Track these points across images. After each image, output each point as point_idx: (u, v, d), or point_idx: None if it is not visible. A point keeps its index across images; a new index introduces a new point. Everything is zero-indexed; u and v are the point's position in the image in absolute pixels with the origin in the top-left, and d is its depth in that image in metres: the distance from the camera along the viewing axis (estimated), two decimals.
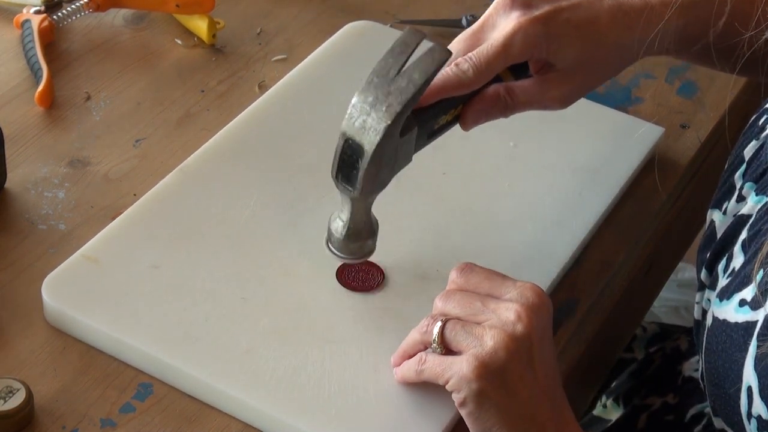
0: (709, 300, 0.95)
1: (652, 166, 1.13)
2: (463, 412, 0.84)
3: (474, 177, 1.07)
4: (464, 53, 0.92)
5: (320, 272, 0.97)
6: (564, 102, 0.97)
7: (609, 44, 0.96)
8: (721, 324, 0.89)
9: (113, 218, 1.01)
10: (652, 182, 1.12)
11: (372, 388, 0.89)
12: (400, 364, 0.89)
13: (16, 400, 0.85)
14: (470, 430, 0.85)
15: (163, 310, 0.93)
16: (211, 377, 0.88)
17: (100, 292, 0.93)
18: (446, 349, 0.85)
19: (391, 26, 1.26)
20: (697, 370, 1.18)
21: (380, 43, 1.21)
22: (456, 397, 0.84)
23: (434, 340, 0.85)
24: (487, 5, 1.31)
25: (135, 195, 1.04)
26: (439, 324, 0.85)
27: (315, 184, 1.05)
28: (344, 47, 1.20)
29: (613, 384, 1.26)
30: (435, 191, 1.06)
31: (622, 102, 1.21)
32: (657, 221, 1.10)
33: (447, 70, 0.91)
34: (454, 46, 0.94)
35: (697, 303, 1.00)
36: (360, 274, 0.97)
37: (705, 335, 0.91)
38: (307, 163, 1.07)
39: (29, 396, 0.86)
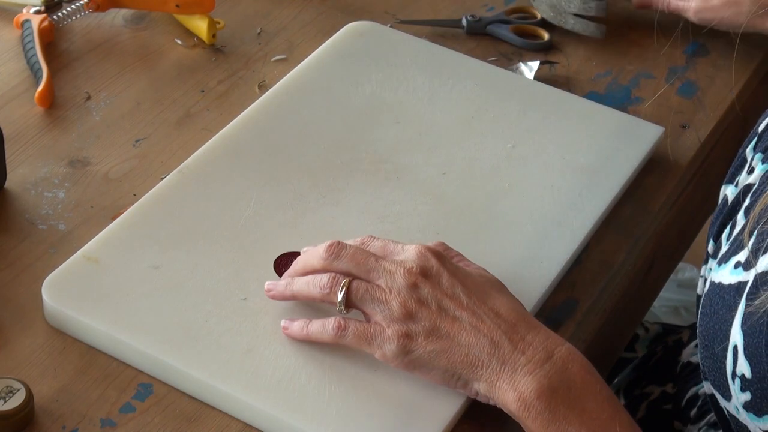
0: (710, 269, 0.96)
1: (652, 166, 1.13)
2: (416, 374, 0.88)
3: (474, 177, 1.07)
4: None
5: None
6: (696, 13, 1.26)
7: None
8: (716, 287, 0.90)
9: (113, 218, 1.01)
10: (652, 182, 1.12)
11: (372, 389, 0.89)
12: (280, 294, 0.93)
13: (16, 400, 0.85)
14: (434, 381, 0.88)
15: (163, 310, 0.93)
16: (211, 377, 0.88)
17: (100, 293, 0.93)
18: (347, 307, 0.89)
19: (391, 26, 1.26)
20: (695, 354, 1.18)
21: (380, 43, 1.21)
22: (395, 365, 0.88)
23: (340, 302, 0.89)
24: (487, 5, 1.32)
25: (135, 195, 1.04)
26: (344, 288, 0.89)
27: (315, 184, 1.05)
28: (344, 47, 1.20)
29: (616, 380, 1.26)
30: (435, 191, 1.06)
31: (622, 102, 1.21)
32: (657, 221, 1.10)
33: None
34: None
35: (701, 276, 1.01)
36: None
37: (702, 301, 0.93)
38: (307, 163, 1.07)
39: (29, 396, 0.86)
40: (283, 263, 0.96)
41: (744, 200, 0.95)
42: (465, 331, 0.87)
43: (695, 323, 1.11)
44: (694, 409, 1.12)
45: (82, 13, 1.22)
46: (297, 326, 0.91)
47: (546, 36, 1.27)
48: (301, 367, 0.89)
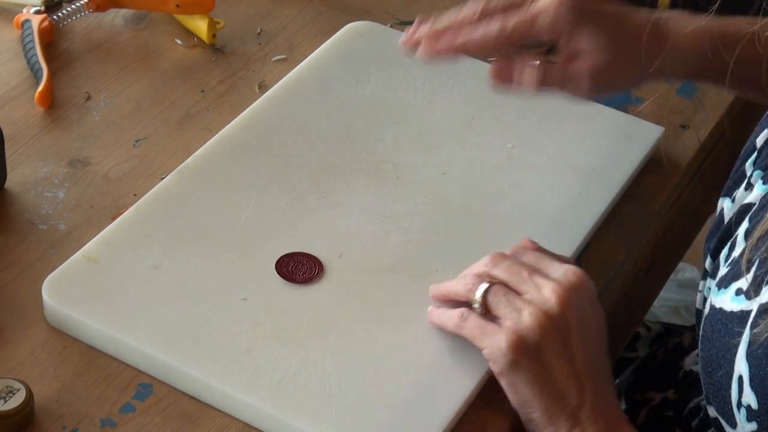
0: (710, 288, 0.96)
1: (652, 166, 1.13)
2: (501, 382, 0.88)
3: (474, 177, 1.07)
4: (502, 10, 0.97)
5: None
6: (589, 90, 1.02)
7: (635, 48, 0.98)
8: (717, 312, 0.90)
9: (113, 218, 1.01)
10: (652, 182, 1.12)
11: (372, 388, 0.89)
12: (438, 303, 0.93)
13: (16, 400, 0.85)
14: (510, 400, 0.88)
15: (164, 310, 0.93)
16: (211, 377, 0.88)
17: (100, 292, 0.93)
18: (486, 310, 0.89)
19: (391, 26, 1.26)
20: (697, 363, 1.18)
21: (380, 43, 1.21)
22: (492, 367, 0.88)
23: (477, 300, 0.89)
24: None
25: (135, 195, 1.04)
26: (485, 286, 0.89)
27: (315, 184, 1.05)
28: (344, 47, 1.20)
29: (616, 381, 1.26)
30: (435, 191, 1.06)
31: (622, 102, 1.20)
32: (657, 221, 1.10)
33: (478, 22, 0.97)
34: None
35: (700, 291, 1.01)
36: None
37: (702, 323, 0.92)
38: (307, 163, 1.07)
39: (29, 396, 0.86)
40: (284, 264, 0.96)
41: (743, 219, 0.94)
42: (565, 375, 0.86)
43: (695, 325, 1.10)
44: (696, 420, 1.12)
45: (82, 13, 1.22)
46: (436, 313, 0.92)
47: None
48: (301, 367, 0.89)
